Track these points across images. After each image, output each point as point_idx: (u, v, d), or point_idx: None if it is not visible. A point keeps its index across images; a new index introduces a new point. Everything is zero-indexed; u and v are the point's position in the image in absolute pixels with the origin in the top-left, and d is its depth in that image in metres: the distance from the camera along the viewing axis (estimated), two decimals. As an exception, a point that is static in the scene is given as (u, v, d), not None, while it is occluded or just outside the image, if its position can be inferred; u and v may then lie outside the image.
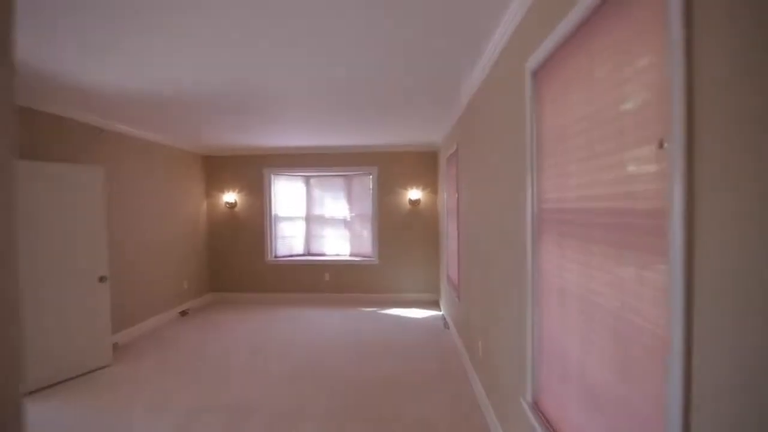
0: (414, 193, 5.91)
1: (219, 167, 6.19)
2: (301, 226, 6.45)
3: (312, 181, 6.42)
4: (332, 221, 6.42)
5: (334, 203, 6.41)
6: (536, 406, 1.64)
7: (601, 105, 1.13)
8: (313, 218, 6.45)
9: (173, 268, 5.27)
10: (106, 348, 3.61)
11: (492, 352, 2.50)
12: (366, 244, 6.20)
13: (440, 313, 5.32)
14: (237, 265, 6.20)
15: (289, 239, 6.37)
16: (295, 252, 6.40)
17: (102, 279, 3.56)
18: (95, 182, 3.54)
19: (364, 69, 2.65)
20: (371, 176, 6.06)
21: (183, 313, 5.40)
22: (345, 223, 6.37)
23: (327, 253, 6.41)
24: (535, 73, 1.64)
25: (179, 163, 5.46)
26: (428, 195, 5.95)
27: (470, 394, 3.00)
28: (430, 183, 5.96)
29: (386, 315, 5.26)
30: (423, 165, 5.95)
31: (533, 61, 1.61)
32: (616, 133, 1.06)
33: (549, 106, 1.52)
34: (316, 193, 6.44)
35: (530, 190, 1.70)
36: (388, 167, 5.99)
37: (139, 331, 4.54)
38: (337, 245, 6.41)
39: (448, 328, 4.59)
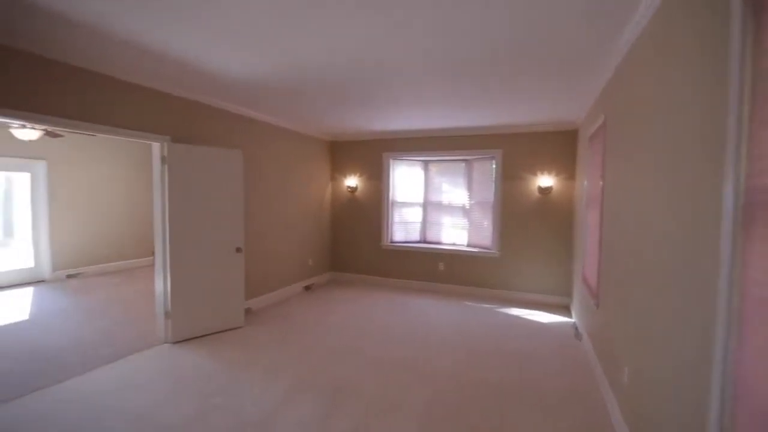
0: (544, 180, 5.14)
1: (342, 152, 6.45)
2: (418, 212, 6.30)
3: (431, 166, 6.18)
4: (450, 208, 6.09)
5: (453, 190, 6.06)
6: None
7: None
8: (431, 205, 6.22)
9: (300, 246, 5.71)
10: (239, 312, 4.07)
11: (646, 384, 1.89)
12: (486, 235, 5.70)
13: (571, 320, 4.55)
14: (355, 247, 6.42)
15: (405, 225, 6.30)
16: (410, 238, 6.30)
17: (238, 250, 4.00)
18: (235, 164, 3.97)
19: (490, 30, 2.25)
20: (494, 160, 5.49)
21: (307, 288, 5.84)
22: (463, 211, 5.98)
23: (443, 241, 6.13)
24: (758, -24, 1.04)
25: (307, 148, 5.85)
26: (562, 182, 5.11)
27: (605, 428, 2.39)
28: (565, 168, 5.09)
29: (504, 314, 4.74)
30: (557, 147, 5.11)
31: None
32: None
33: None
34: (435, 178, 6.18)
35: (733, 163, 1.11)
36: (514, 150, 5.33)
37: (270, 300, 5.05)
38: (454, 234, 6.07)
39: (581, 339, 3.85)
